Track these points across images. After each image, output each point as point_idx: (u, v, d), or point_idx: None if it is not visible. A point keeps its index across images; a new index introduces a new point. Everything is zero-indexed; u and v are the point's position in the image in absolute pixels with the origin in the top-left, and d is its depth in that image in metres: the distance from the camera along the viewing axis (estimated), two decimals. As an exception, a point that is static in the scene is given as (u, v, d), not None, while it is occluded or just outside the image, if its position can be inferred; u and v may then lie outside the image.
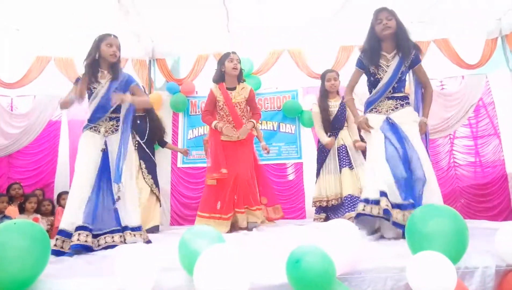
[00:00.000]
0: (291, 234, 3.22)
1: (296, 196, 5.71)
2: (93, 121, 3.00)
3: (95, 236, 2.75)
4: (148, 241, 2.98)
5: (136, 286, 1.57)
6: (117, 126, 3.03)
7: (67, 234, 2.71)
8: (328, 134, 4.34)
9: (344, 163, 4.26)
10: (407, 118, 2.87)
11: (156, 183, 4.60)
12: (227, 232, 3.66)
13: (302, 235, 3.09)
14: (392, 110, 2.91)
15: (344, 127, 4.37)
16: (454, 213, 1.77)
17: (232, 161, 3.83)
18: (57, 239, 2.71)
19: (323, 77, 4.43)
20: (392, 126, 2.85)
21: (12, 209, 4.74)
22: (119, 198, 2.91)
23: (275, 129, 5.91)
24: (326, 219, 4.27)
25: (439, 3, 4.98)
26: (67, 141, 5.80)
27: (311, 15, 5.16)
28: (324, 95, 4.36)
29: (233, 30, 5.37)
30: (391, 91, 2.93)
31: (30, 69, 5.67)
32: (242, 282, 1.45)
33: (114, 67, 3.05)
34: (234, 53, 3.88)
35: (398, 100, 2.92)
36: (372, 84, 3.02)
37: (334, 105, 4.34)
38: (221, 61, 3.90)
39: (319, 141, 4.50)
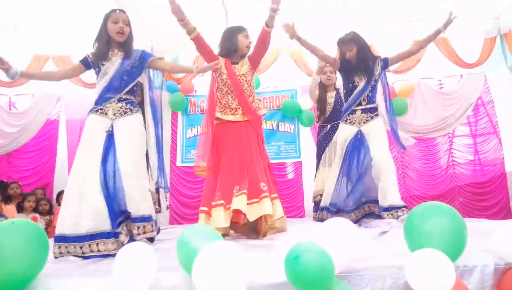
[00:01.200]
0: (290, 232, 3.21)
1: (295, 195, 5.71)
2: (101, 102, 2.67)
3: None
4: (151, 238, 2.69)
5: (134, 285, 1.57)
6: (127, 108, 2.69)
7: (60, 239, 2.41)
8: (328, 126, 4.38)
9: None
10: (375, 129, 3.37)
11: None
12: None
13: (301, 233, 3.09)
14: (364, 122, 3.40)
15: None
16: (452, 211, 1.76)
17: (233, 145, 3.19)
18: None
19: (319, 72, 4.53)
20: (361, 140, 3.36)
21: (10, 208, 4.74)
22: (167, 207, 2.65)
23: (274, 128, 5.90)
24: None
25: (437, 2, 4.98)
26: (65, 140, 5.80)
27: (309, 14, 5.16)
28: (321, 88, 4.48)
29: (232, 29, 5.36)
30: (366, 101, 3.40)
31: (28, 68, 5.65)
32: (241, 280, 1.45)
33: (126, 44, 2.79)
34: (246, 29, 3.38)
35: (369, 113, 3.40)
36: (350, 91, 3.47)
37: (330, 96, 4.42)
38: (233, 34, 3.35)
39: (318, 135, 4.56)
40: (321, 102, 4.44)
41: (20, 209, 4.69)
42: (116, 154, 2.54)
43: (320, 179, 4.38)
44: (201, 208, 3.09)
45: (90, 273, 1.97)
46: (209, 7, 4.85)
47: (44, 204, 5.01)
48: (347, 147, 3.42)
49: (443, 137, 5.79)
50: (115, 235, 2.44)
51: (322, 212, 3.66)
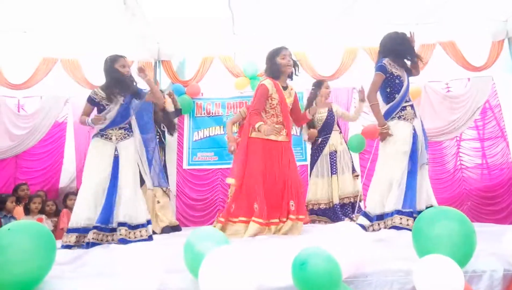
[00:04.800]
0: (296, 236, 3.21)
1: (301, 198, 5.69)
2: (104, 130, 3.35)
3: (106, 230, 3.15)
4: (147, 238, 3.24)
5: (141, 287, 1.57)
6: (125, 134, 3.41)
7: (75, 230, 3.11)
8: (320, 139, 4.60)
9: (334, 169, 4.51)
10: (421, 131, 3.23)
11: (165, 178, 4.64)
12: None
13: (308, 237, 3.08)
14: (412, 118, 3.21)
15: (333, 131, 4.62)
16: (461, 216, 1.75)
17: (278, 162, 3.44)
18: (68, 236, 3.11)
19: (319, 84, 4.67)
20: (415, 139, 3.17)
21: (19, 210, 4.77)
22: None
23: (280, 131, 5.90)
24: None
25: (445, 5, 4.95)
26: (72, 142, 5.83)
27: (316, 17, 5.17)
28: (311, 102, 4.48)
29: (238, 32, 5.38)
30: (407, 100, 3.24)
31: (37, 70, 5.71)
32: (248, 284, 1.44)
33: (127, 85, 3.38)
34: (286, 48, 3.52)
35: (413, 109, 3.25)
36: (395, 88, 3.23)
37: (321, 112, 4.61)
38: (273, 57, 3.51)
39: (313, 145, 4.75)
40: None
41: (27, 210, 4.71)
42: (120, 173, 3.26)
43: (313, 189, 4.56)
44: (241, 218, 3.32)
45: (98, 274, 1.98)
46: (216, 10, 4.88)
47: (51, 205, 5.03)
48: (413, 145, 3.17)
49: (450, 140, 5.75)
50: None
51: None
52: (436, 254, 1.57)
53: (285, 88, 3.56)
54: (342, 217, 4.30)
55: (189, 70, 6.37)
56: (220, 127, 6.03)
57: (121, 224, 3.14)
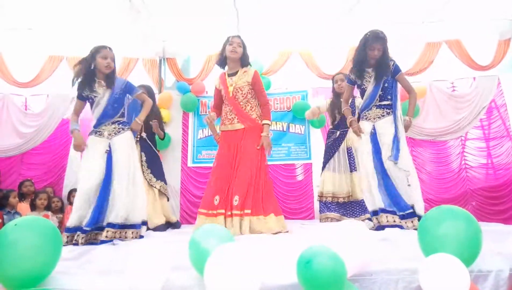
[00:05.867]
0: (301, 234, 3.21)
1: (305, 197, 5.68)
2: (98, 126, 3.25)
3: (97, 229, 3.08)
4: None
5: (146, 284, 1.58)
6: (119, 128, 3.27)
7: (67, 230, 3.01)
8: (338, 132, 4.56)
9: (354, 166, 4.48)
10: (387, 129, 3.29)
11: (158, 176, 4.52)
12: None
13: (313, 235, 3.08)
14: (378, 118, 3.36)
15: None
16: (467, 215, 1.74)
17: (234, 151, 3.52)
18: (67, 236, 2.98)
19: (332, 80, 4.69)
20: (374, 137, 3.33)
21: (24, 206, 4.80)
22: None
23: (285, 129, 5.89)
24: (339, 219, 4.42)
25: (450, 3, 4.93)
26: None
27: (321, 15, 5.15)
28: (336, 96, 4.61)
29: (243, 30, 5.37)
30: (378, 100, 3.38)
31: (43, 69, 5.74)
32: (253, 282, 1.45)
33: (110, 77, 3.25)
34: (235, 36, 3.63)
35: (384, 109, 3.37)
36: (362, 94, 3.52)
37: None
38: (223, 46, 3.67)
39: (327, 138, 4.73)
40: (331, 106, 4.61)
41: (33, 207, 4.75)
42: (113, 170, 3.13)
43: (329, 182, 4.53)
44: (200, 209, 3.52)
45: (103, 271, 1.99)
46: (221, 8, 4.88)
47: (56, 201, 5.07)
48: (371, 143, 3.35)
49: (455, 140, 5.71)
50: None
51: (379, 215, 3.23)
52: (442, 253, 1.57)
53: (234, 74, 3.62)
54: (360, 214, 4.34)
55: (194, 68, 6.38)
56: (224, 125, 6.04)
57: (110, 225, 3.02)
